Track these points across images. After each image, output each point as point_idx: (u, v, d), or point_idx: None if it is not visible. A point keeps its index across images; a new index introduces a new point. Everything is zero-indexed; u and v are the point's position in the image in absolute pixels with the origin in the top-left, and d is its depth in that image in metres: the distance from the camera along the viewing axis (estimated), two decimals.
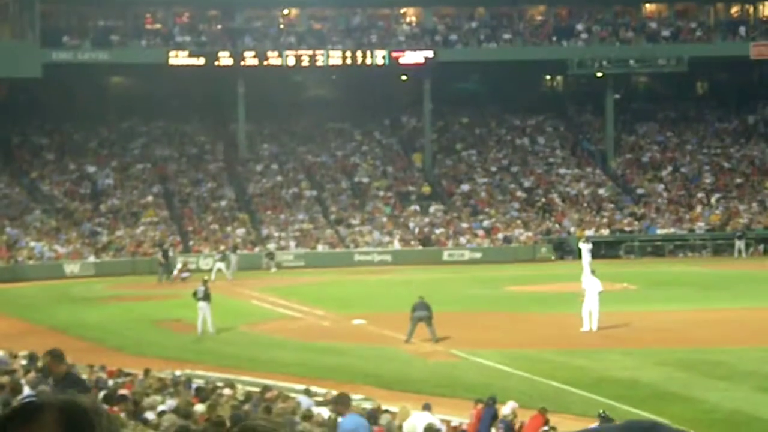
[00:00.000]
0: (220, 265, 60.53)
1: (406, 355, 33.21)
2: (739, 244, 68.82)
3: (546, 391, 26.77)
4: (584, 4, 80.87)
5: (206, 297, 38.26)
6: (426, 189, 76.54)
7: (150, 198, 73.77)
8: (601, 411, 21.70)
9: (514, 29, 79.47)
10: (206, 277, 43.13)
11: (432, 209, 74.39)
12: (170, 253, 63.69)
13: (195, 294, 38.80)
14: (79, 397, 2.05)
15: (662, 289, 49.11)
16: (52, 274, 62.40)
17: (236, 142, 79.05)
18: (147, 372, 25.31)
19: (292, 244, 69.45)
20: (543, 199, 75.55)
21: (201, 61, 74.22)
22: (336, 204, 74.55)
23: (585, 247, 56.25)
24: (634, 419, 1.63)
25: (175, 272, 59.80)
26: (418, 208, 74.38)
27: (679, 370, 29.04)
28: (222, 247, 64.95)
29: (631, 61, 77.44)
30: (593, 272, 39.58)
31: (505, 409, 22.10)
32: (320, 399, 23.21)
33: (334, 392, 25.27)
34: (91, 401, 2.04)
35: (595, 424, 19.64)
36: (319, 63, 75.25)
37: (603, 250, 70.68)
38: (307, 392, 24.14)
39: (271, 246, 67.86)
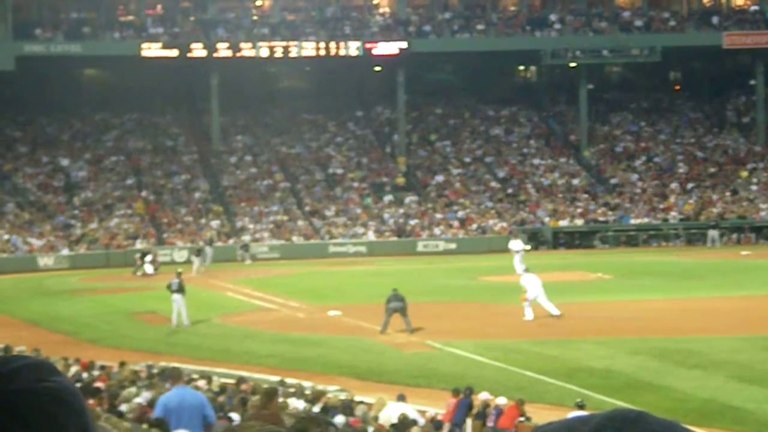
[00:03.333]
0: (195, 259, 60.34)
1: (381, 346, 33.24)
2: (713, 233, 69.15)
3: (521, 381, 26.86)
4: None
5: (180, 289, 38.11)
6: (400, 180, 76.56)
7: (121, 192, 73.52)
8: (578, 400, 21.80)
9: (488, 20, 79.51)
10: (180, 270, 42.99)
11: (407, 200, 74.42)
12: (208, 247, 64.05)
13: (169, 286, 38.65)
14: (47, 388, 2.05)
15: (636, 279, 49.30)
16: (26, 266, 62.17)
17: (210, 134, 78.87)
18: (122, 364, 25.26)
19: (267, 235, 69.39)
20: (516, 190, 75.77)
21: (174, 52, 73.95)
22: (310, 195, 74.49)
23: (515, 245, 54.84)
24: (621, 409, 1.64)
25: (147, 266, 59.34)
26: (392, 199, 74.42)
27: (653, 359, 29.17)
28: (201, 243, 64.91)
29: (605, 51, 77.63)
30: (527, 269, 39.54)
31: (480, 399, 22.19)
32: (293, 390, 23.21)
33: (307, 383, 25.32)
34: (58, 392, 2.04)
35: (573, 413, 19.73)
36: (293, 54, 75.11)
37: (577, 239, 71.10)
38: (282, 384, 24.14)
39: (246, 238, 67.81)
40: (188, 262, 61.83)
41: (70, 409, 1.94)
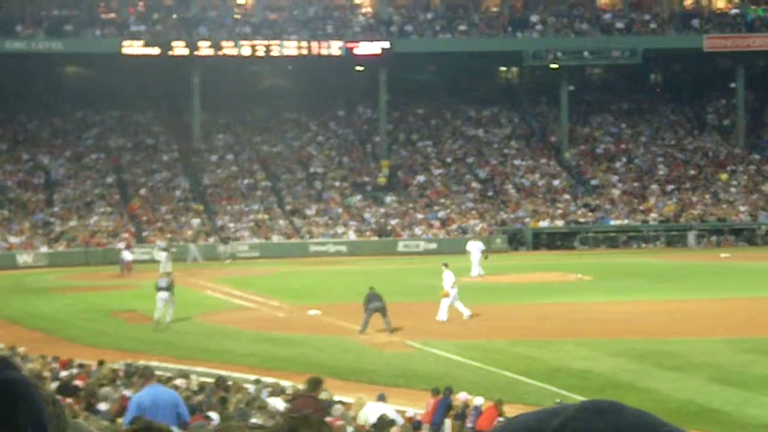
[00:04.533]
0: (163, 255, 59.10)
1: (360, 346, 33.21)
2: (691, 235, 69.49)
3: (500, 381, 26.86)
4: None
5: (169, 288, 37.97)
6: (382, 180, 76.54)
7: (101, 189, 73.32)
8: (557, 401, 21.83)
9: (470, 20, 79.60)
10: (169, 270, 42.75)
11: (387, 200, 74.42)
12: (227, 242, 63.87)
13: (157, 285, 38.39)
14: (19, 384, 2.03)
15: (616, 280, 49.41)
16: (5, 264, 61.96)
17: (191, 132, 78.72)
18: (101, 363, 25.17)
19: (247, 234, 69.29)
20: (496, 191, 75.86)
21: (155, 50, 73.81)
22: (291, 194, 74.42)
23: (473, 246, 53.60)
24: (593, 399, 1.61)
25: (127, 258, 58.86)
26: (373, 198, 74.46)
27: (633, 360, 29.21)
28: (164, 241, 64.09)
29: (586, 53, 77.81)
30: (446, 265, 39.39)
31: (459, 399, 22.20)
32: (270, 389, 23.16)
33: (285, 383, 25.27)
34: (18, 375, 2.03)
35: None
36: (275, 53, 75.06)
37: (558, 240, 71.23)
38: (257, 382, 24.11)
39: (226, 241, 67.29)
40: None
41: (18, 400, 1.94)
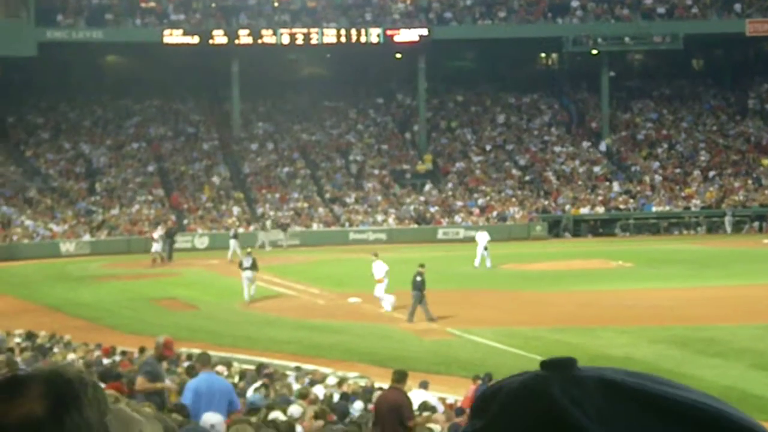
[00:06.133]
0: (232, 242, 59.56)
1: (401, 333, 33.26)
2: (728, 220, 69.24)
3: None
4: None
5: (254, 266, 40.56)
6: (421, 167, 76.48)
7: (142, 178, 73.70)
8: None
9: (509, 6, 79.30)
10: (249, 249, 45.84)
11: (427, 187, 74.37)
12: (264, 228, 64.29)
13: (241, 264, 41.49)
14: (65, 368, 2.06)
15: (657, 267, 49.16)
16: (48, 252, 62.38)
17: (231, 120, 78.94)
18: (142, 350, 25.33)
19: (287, 222, 69.42)
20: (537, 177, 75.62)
21: (195, 39, 74.03)
22: (331, 182, 74.51)
23: (481, 237, 52.91)
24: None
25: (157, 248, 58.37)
26: (412, 186, 74.49)
27: (673, 347, 29.10)
28: (234, 227, 65.08)
29: (627, 39, 77.33)
30: (376, 255, 39.32)
31: None
32: (311, 376, 23.25)
33: (326, 369, 25.36)
34: (76, 372, 2.05)
35: None
36: (314, 41, 75.08)
37: (598, 227, 70.96)
38: (298, 369, 24.20)
39: (284, 228, 67.13)
40: (211, 248, 61.99)
41: (68, 401, 1.96)
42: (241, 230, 67.15)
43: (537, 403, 1.44)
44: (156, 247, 57.70)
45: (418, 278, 34.91)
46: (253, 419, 15.02)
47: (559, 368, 1.50)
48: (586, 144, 79.96)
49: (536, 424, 1.42)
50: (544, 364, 1.51)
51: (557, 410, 1.42)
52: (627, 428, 1.40)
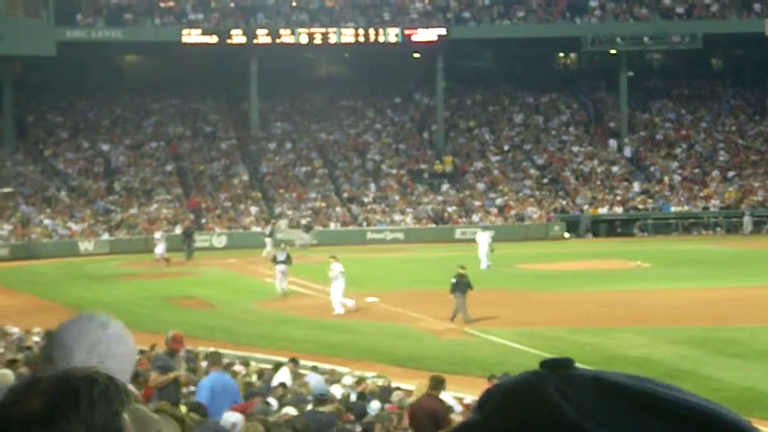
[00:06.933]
0: (268, 240, 59.69)
1: (418, 332, 33.23)
2: (747, 219, 68.93)
3: None
4: None
5: (288, 260, 42.36)
6: (439, 167, 76.40)
7: (161, 177, 73.83)
8: None
9: (528, 6, 79.19)
10: (283, 245, 47.35)
11: (444, 187, 74.32)
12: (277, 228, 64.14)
13: (274, 259, 43.08)
14: (78, 368, 2.04)
15: (676, 267, 48.99)
16: (67, 251, 62.53)
17: (249, 120, 79.05)
18: (153, 347, 25.39)
19: (305, 222, 69.46)
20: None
21: (214, 39, 74.16)
22: (348, 182, 74.52)
23: (482, 238, 53.12)
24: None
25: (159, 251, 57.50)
26: (426, 186, 74.43)
27: (692, 348, 28.99)
28: (271, 222, 65.47)
29: (645, 38, 77.15)
30: (334, 257, 39.21)
31: None
32: (327, 376, 23.25)
33: (342, 369, 25.33)
34: (88, 371, 2.03)
35: None
36: (332, 41, 75.12)
37: (616, 227, 70.78)
38: (315, 369, 24.21)
39: (307, 229, 67.16)
40: (229, 247, 62.09)
41: (80, 398, 1.95)
42: (258, 229, 67.27)
43: (531, 400, 1.49)
44: (160, 248, 57.06)
45: (461, 280, 34.54)
46: (324, 408, 15.11)
47: (556, 367, 1.54)
48: (611, 142, 79.67)
49: (530, 419, 1.47)
50: (542, 364, 1.55)
51: (550, 406, 1.46)
52: (621, 426, 1.44)
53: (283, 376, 21.73)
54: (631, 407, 1.44)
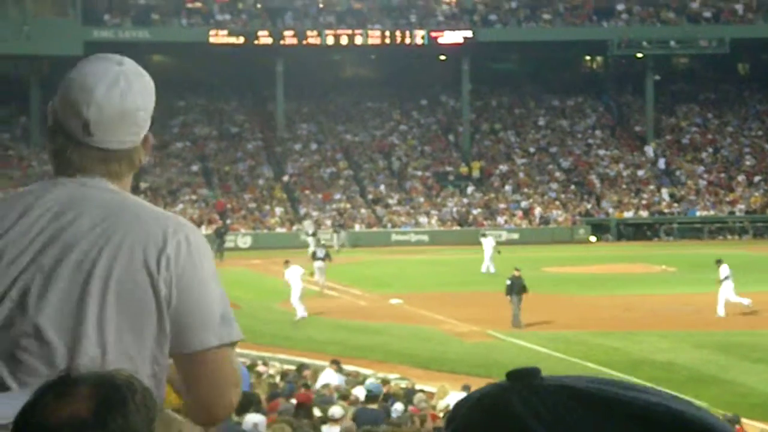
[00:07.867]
0: (310, 240, 59.38)
1: (442, 335, 33.24)
2: None
3: (582, 372, 26.71)
4: None
5: (327, 257, 43.74)
6: (464, 169, 76.35)
7: (187, 178, 74.07)
8: None
9: (554, 9, 79.06)
10: (323, 241, 48.76)
11: (469, 190, 74.27)
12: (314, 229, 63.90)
13: (314, 254, 44.66)
14: (114, 372, 2.08)
15: (701, 272, 48.71)
16: None
17: (275, 121, 79.19)
18: None
19: (329, 223, 69.54)
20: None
21: (240, 40, 74.32)
22: (373, 184, 74.57)
23: (486, 242, 52.53)
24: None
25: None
26: (455, 188, 74.37)
27: (717, 352, 28.90)
28: (314, 221, 66.04)
29: (672, 42, 76.89)
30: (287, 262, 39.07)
31: None
32: (350, 377, 23.31)
33: (366, 371, 25.36)
34: (125, 376, 2.07)
35: None
36: (358, 42, 75.20)
37: (642, 231, 70.55)
38: (339, 370, 24.24)
39: (338, 230, 67.06)
40: (253, 248, 62.16)
41: (112, 404, 2.00)
42: (283, 230, 67.40)
43: (494, 412, 1.51)
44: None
45: (516, 282, 34.38)
46: (373, 406, 15.19)
47: (522, 378, 1.56)
48: (641, 147, 79.40)
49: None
50: (508, 375, 1.57)
51: (513, 418, 1.48)
52: None
53: (329, 377, 22.09)
54: (597, 414, 1.46)
